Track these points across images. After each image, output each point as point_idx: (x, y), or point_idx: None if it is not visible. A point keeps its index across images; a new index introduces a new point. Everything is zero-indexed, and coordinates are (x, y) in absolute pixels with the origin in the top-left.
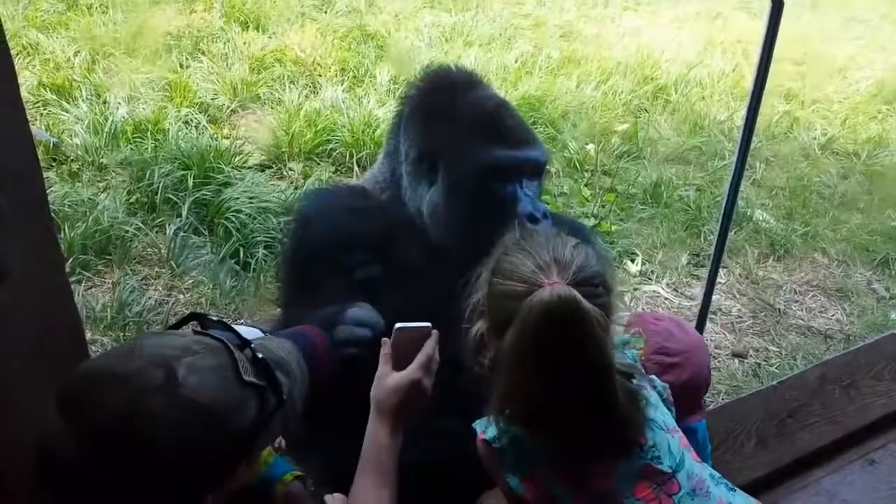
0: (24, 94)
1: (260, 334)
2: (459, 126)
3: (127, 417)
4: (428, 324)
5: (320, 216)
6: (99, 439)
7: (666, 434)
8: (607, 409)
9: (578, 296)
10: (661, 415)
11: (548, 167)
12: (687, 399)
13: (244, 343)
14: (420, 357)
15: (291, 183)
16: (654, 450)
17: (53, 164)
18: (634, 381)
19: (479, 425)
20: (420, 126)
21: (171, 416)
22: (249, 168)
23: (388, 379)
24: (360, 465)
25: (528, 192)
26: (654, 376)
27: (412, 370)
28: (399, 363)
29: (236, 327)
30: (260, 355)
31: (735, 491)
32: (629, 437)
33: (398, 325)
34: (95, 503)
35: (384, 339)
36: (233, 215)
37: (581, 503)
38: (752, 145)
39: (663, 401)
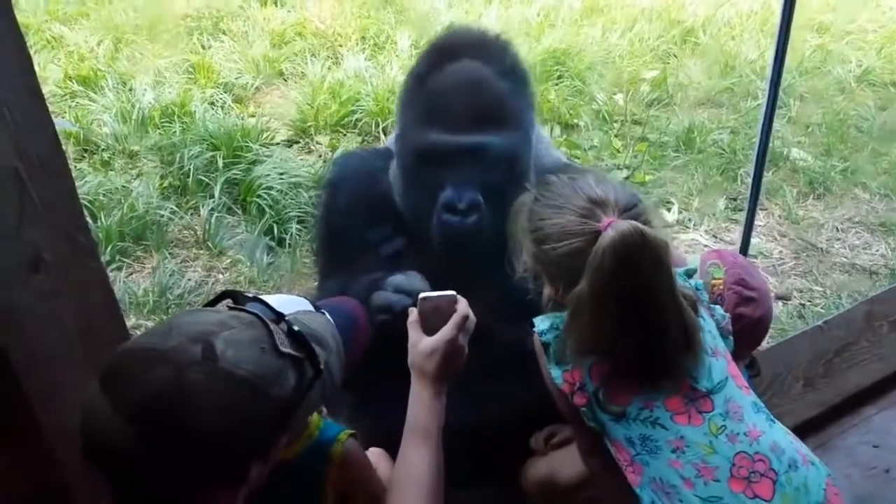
0: (51, 87)
1: (302, 302)
2: (415, 99)
3: (168, 392)
4: (452, 292)
5: (346, 181)
6: (142, 415)
7: (710, 357)
8: (669, 335)
9: (639, 225)
10: (710, 338)
11: (501, 156)
12: (751, 339)
13: (279, 317)
14: (455, 317)
15: (320, 156)
16: (692, 369)
17: (85, 154)
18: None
19: (535, 321)
20: (402, 92)
21: (211, 388)
22: (277, 144)
23: (421, 344)
24: (405, 429)
25: (459, 179)
26: (716, 305)
27: (447, 330)
28: (427, 331)
29: (279, 297)
30: (295, 328)
31: (774, 422)
32: (680, 364)
33: (422, 294)
34: (142, 479)
35: (411, 308)
36: (264, 193)
37: (612, 401)
38: (785, 82)
39: (720, 328)
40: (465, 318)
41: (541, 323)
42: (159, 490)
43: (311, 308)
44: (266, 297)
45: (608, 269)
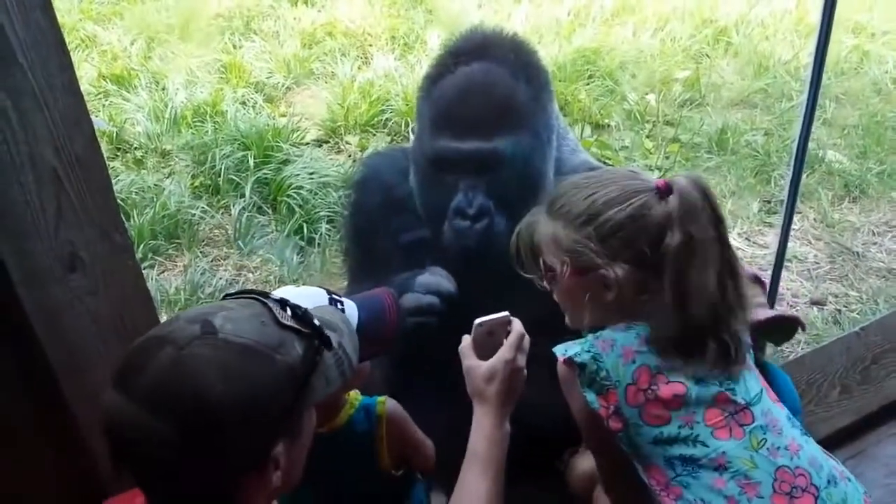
0: (84, 86)
1: (319, 293)
2: (427, 103)
3: (174, 369)
4: (505, 312)
5: (373, 181)
6: (154, 396)
7: (741, 369)
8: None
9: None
10: None
11: (512, 161)
12: None
13: (283, 303)
14: (511, 338)
15: (349, 156)
16: (728, 382)
17: (118, 153)
18: None
19: (558, 350)
20: (418, 95)
21: (214, 357)
22: (307, 144)
23: (479, 370)
24: (465, 457)
25: (469, 185)
26: None
27: (504, 351)
28: (482, 357)
29: (295, 289)
30: (300, 310)
31: (809, 437)
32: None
33: (477, 320)
34: (168, 466)
35: (464, 336)
36: (294, 192)
37: (649, 420)
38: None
39: None
40: (522, 337)
41: (569, 348)
42: (186, 476)
43: (326, 298)
44: (283, 289)
45: (700, 209)
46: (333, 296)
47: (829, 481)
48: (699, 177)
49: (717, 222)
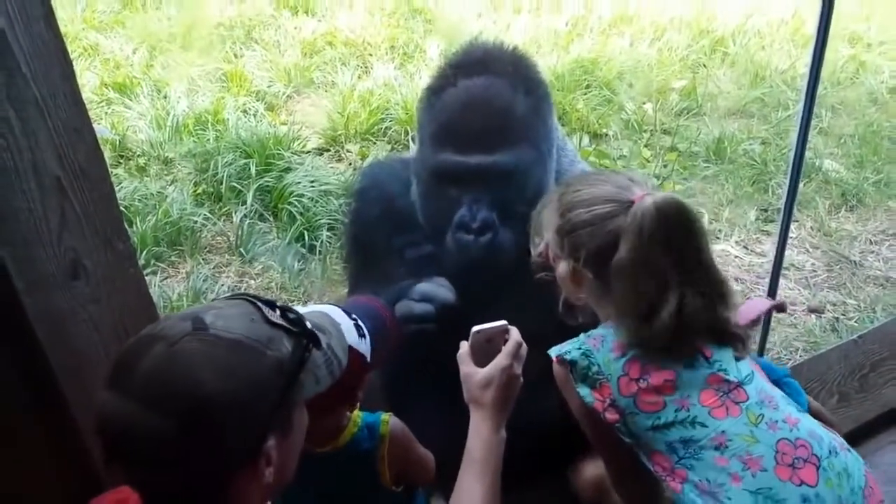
0: (87, 94)
1: (334, 311)
2: (429, 116)
3: (166, 363)
4: (504, 321)
5: (373, 190)
6: (147, 391)
7: (732, 355)
8: (705, 294)
9: (675, 195)
10: None
11: (514, 175)
12: None
13: (271, 303)
14: (508, 346)
15: (350, 164)
16: (720, 363)
17: (121, 160)
18: None
19: (552, 351)
20: (419, 107)
21: (206, 352)
22: (308, 153)
23: (476, 376)
24: (462, 462)
25: (473, 199)
26: None
27: (501, 359)
28: (479, 364)
29: (311, 307)
30: (290, 311)
31: (805, 413)
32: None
33: (475, 327)
34: (163, 460)
35: (462, 342)
36: (295, 200)
37: (644, 408)
38: (818, 92)
39: None
40: (519, 345)
41: (560, 348)
42: (180, 470)
43: (342, 314)
44: (298, 308)
45: (647, 231)
46: (344, 308)
47: (830, 451)
48: (671, 197)
49: (686, 239)
